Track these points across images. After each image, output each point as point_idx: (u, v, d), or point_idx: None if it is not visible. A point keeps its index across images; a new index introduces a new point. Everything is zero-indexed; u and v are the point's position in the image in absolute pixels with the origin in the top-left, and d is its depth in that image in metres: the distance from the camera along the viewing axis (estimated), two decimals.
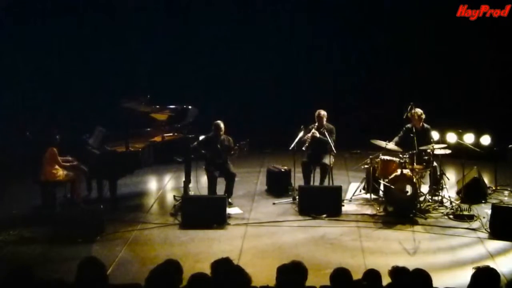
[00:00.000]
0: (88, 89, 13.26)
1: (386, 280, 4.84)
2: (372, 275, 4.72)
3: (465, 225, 8.61)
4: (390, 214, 9.12)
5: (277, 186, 10.40)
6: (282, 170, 10.44)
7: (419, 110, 9.64)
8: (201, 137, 9.99)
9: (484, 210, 9.04)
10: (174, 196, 10.12)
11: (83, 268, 4.57)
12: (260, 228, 8.76)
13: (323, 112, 10.01)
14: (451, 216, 8.92)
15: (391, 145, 9.54)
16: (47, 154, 9.20)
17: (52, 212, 8.95)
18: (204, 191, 9.93)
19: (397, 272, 4.70)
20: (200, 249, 7.94)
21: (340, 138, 10.12)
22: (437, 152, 9.37)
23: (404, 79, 13.34)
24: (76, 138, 10.01)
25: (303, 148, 9.80)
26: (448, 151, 9.49)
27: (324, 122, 9.97)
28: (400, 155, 9.34)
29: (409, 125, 9.71)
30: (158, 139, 10.10)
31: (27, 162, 10.41)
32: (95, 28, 13.29)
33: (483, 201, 9.53)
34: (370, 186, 9.78)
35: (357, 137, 11.98)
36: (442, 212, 9.13)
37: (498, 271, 4.69)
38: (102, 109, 11.52)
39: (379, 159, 9.50)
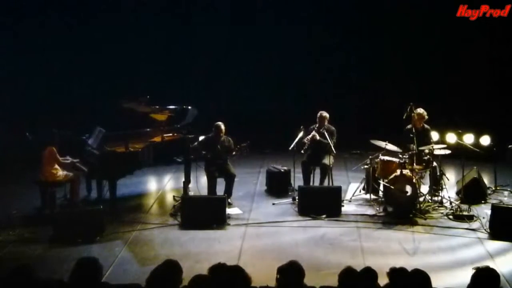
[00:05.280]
0: (88, 89, 13.24)
1: (383, 279, 4.84)
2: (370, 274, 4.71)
3: (465, 225, 8.62)
4: (390, 214, 9.13)
5: (277, 186, 10.41)
6: (282, 170, 10.44)
7: (421, 110, 9.63)
8: (201, 138, 9.99)
9: (484, 211, 9.05)
10: (173, 196, 10.13)
11: (77, 269, 4.58)
12: (260, 229, 8.77)
13: (325, 114, 10.01)
14: (450, 217, 8.93)
15: (390, 146, 9.55)
16: (46, 154, 9.20)
17: (52, 212, 8.95)
18: (204, 191, 9.93)
19: (395, 273, 4.70)
20: (200, 250, 7.94)
21: (340, 138, 10.12)
22: (437, 152, 9.38)
23: (404, 79, 13.33)
24: (75, 138, 10.01)
25: (302, 151, 9.80)
26: (447, 152, 9.50)
27: (326, 124, 9.97)
28: (400, 155, 9.35)
29: (409, 126, 9.71)
30: (157, 139, 10.09)
31: (27, 162, 10.42)
32: (95, 27, 13.29)
33: (482, 202, 9.53)
34: (370, 186, 9.79)
35: (357, 137, 11.98)
36: (442, 213, 9.13)
37: (498, 271, 4.69)
38: (102, 109, 11.51)
39: (378, 160, 9.51)
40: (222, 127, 9.76)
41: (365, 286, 4.57)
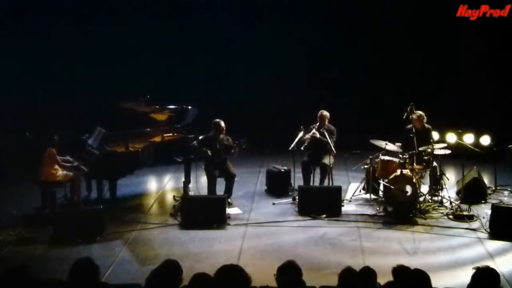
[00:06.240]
0: (88, 89, 13.24)
1: (383, 279, 4.85)
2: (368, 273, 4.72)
3: (465, 225, 8.62)
4: (390, 214, 9.13)
5: (277, 186, 10.41)
6: (282, 170, 10.44)
7: (419, 112, 9.63)
8: (201, 137, 9.97)
9: (484, 210, 9.05)
10: (174, 196, 10.13)
11: (73, 271, 4.59)
12: (260, 228, 8.77)
13: (325, 113, 9.99)
14: (451, 216, 8.93)
15: (390, 145, 9.55)
16: (45, 155, 9.19)
17: (52, 212, 8.95)
18: (203, 191, 9.93)
19: (400, 271, 4.70)
20: (200, 249, 7.94)
21: (340, 138, 10.11)
22: (437, 152, 9.38)
23: (404, 79, 13.34)
24: (75, 138, 10.01)
25: (302, 148, 9.80)
26: (448, 151, 9.50)
27: (326, 123, 9.96)
28: (400, 155, 9.34)
29: (409, 126, 9.71)
30: (157, 139, 10.10)
31: (27, 162, 10.41)
32: (95, 28, 13.29)
33: (482, 201, 9.53)
34: (370, 186, 9.79)
35: (357, 137, 11.97)
36: (442, 212, 9.14)
37: (498, 271, 4.68)
38: (102, 109, 11.51)
39: (379, 159, 9.51)
40: (222, 124, 9.71)
41: (364, 286, 4.57)
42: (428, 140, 9.48)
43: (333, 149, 9.77)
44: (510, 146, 10.43)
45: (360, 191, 10.11)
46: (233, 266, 4.54)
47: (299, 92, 13.81)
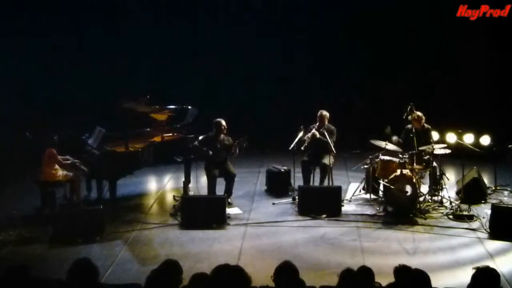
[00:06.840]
0: (88, 89, 13.23)
1: (383, 279, 4.85)
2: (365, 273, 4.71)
3: (465, 225, 8.62)
4: (390, 214, 9.13)
5: (277, 186, 10.41)
6: (282, 170, 10.44)
7: (417, 113, 9.63)
8: (201, 137, 9.97)
9: (484, 210, 9.05)
10: (173, 196, 10.13)
11: (71, 272, 4.59)
12: (260, 228, 8.77)
13: (324, 113, 9.99)
14: (450, 216, 8.93)
15: (390, 145, 9.55)
16: (45, 155, 9.19)
17: (52, 212, 8.95)
18: (203, 191, 9.93)
19: (402, 271, 4.70)
20: (200, 249, 7.94)
21: (340, 138, 10.11)
22: (437, 152, 9.38)
23: (404, 79, 13.34)
24: (76, 138, 10.00)
25: (302, 148, 9.79)
26: (448, 151, 9.50)
27: (326, 123, 9.96)
28: (400, 155, 9.35)
29: (409, 126, 9.71)
30: (157, 139, 10.10)
31: (27, 162, 10.42)
32: (95, 27, 13.29)
33: (482, 201, 9.53)
34: (370, 186, 9.79)
35: (357, 137, 11.98)
36: (441, 212, 9.14)
37: (498, 271, 4.68)
38: (102, 109, 11.51)
39: (378, 159, 9.51)
40: (223, 123, 9.70)
41: (363, 285, 4.57)
42: (428, 140, 9.49)
43: (333, 149, 9.77)
44: (510, 146, 10.43)
45: (360, 191, 10.11)
46: (232, 266, 4.54)
47: (299, 92, 13.80)
